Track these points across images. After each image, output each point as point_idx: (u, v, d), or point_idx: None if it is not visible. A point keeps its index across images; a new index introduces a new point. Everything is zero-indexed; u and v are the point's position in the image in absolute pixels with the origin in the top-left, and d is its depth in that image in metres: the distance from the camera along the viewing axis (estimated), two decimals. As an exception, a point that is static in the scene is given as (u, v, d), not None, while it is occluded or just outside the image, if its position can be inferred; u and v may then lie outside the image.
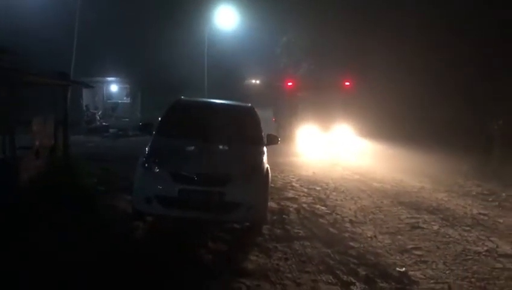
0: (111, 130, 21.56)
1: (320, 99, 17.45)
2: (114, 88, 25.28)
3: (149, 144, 6.66)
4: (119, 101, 24.78)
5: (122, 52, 29.28)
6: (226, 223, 6.44)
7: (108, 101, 24.79)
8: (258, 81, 41.19)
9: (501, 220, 7.77)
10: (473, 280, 5.08)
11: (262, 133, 7.29)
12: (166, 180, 5.99)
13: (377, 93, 19.32)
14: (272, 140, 7.35)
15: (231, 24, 26.60)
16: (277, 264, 5.23)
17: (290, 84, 18.47)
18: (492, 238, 6.66)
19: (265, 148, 7.01)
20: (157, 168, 6.12)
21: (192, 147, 6.64)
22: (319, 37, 22.24)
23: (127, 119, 22.57)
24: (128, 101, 24.69)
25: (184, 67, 30.13)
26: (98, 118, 23.28)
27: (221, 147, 6.75)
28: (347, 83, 17.91)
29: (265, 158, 6.73)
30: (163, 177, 6.02)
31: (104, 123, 23.03)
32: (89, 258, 4.87)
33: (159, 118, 7.34)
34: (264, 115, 15.27)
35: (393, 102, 19.06)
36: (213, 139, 6.78)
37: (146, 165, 6.21)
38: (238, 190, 6.02)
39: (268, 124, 10.92)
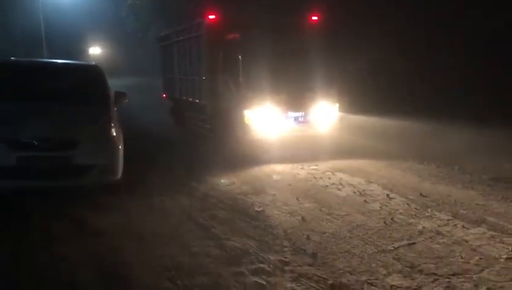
0: None
1: (275, 46, 8.34)
2: None
3: None
4: None
5: None
6: (78, 188, 5.98)
7: None
8: (99, 50, 38.26)
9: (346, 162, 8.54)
10: (322, 209, 5.55)
11: (110, 92, 6.85)
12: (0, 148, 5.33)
13: (366, 38, 12.76)
14: (120, 99, 6.91)
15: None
16: (137, 221, 5.07)
17: (212, 17, 9.39)
18: (336, 173, 7.36)
19: (114, 107, 6.63)
20: (-13, 136, 5.38)
21: (29, 111, 5.94)
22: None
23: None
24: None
25: (19, 35, 26.89)
26: None
27: (64, 108, 6.15)
28: (314, 18, 9.81)
29: (115, 117, 6.37)
30: None
31: None
32: None
33: None
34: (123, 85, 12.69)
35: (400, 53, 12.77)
36: (53, 101, 6.18)
37: (-28, 134, 5.42)
38: (86, 151, 5.64)
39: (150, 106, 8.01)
